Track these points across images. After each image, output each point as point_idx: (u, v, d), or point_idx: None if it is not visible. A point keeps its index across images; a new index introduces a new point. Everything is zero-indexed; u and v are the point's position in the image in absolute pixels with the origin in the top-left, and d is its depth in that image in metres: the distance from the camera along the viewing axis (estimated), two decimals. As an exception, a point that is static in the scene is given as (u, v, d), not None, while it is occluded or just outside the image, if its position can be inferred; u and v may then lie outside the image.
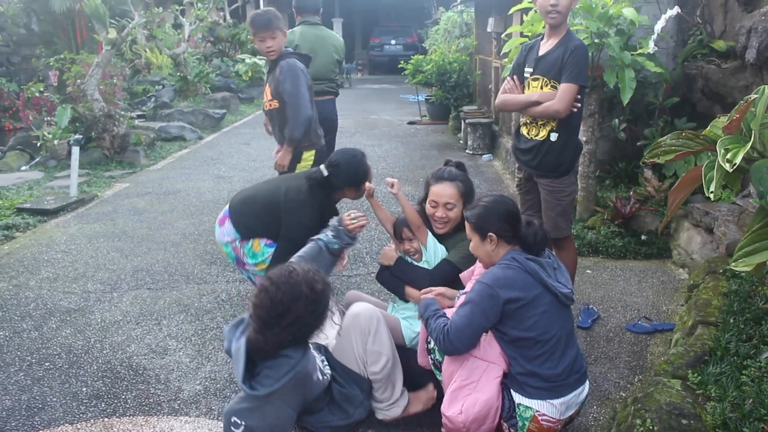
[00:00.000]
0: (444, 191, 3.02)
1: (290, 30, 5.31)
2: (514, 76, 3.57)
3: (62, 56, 11.10)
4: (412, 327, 3.04)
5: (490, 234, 2.52)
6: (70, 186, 7.05)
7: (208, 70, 14.44)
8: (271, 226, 3.41)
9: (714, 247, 4.32)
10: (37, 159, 8.92)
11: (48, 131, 8.80)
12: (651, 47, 4.78)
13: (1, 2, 14.76)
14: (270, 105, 4.23)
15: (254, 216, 3.46)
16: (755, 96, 2.47)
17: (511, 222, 2.54)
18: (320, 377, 2.51)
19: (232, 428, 2.20)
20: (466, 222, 2.65)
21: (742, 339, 2.98)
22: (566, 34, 3.40)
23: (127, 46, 13.07)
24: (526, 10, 5.11)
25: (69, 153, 7.85)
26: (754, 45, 4.76)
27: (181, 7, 15.74)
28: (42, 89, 10.03)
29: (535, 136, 3.46)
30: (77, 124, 8.91)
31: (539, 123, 3.44)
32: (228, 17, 18.87)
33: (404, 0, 27.08)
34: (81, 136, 7.77)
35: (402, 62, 11.82)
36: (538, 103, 3.36)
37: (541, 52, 3.44)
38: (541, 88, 3.39)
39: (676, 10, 4.92)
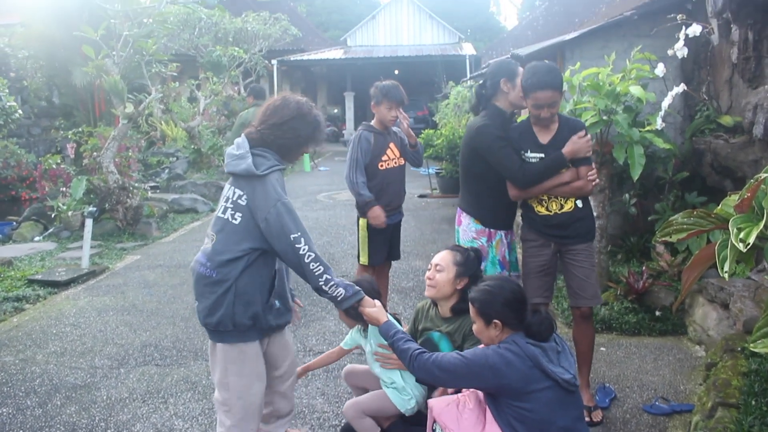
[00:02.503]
0: (440, 255, 3.09)
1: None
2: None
3: (80, 129, 11.38)
4: (400, 395, 3.03)
5: (495, 321, 2.48)
6: (82, 258, 7.08)
7: (222, 143, 14.72)
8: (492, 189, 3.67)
9: (730, 324, 4.24)
10: (51, 230, 9.01)
11: (63, 202, 8.93)
12: (659, 123, 4.83)
13: (26, 77, 15.27)
14: (398, 162, 4.62)
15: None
16: (765, 174, 2.48)
17: (516, 309, 2.50)
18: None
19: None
20: (470, 304, 2.61)
21: (766, 422, 2.89)
22: (561, 117, 3.54)
23: (143, 119, 13.37)
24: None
25: (82, 224, 7.93)
26: (761, 121, 4.81)
27: (197, 82, 16.17)
28: (59, 161, 10.23)
29: (560, 210, 3.49)
30: (92, 196, 9.05)
31: (560, 197, 3.48)
32: (243, 91, 19.33)
33: (415, 74, 27.73)
34: (95, 208, 7.86)
35: (413, 137, 11.98)
36: (566, 183, 3.45)
37: (544, 139, 3.48)
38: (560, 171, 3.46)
39: (682, 87, 4.99)
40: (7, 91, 12.00)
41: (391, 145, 4.57)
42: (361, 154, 4.42)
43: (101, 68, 8.83)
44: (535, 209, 3.55)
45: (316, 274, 2.61)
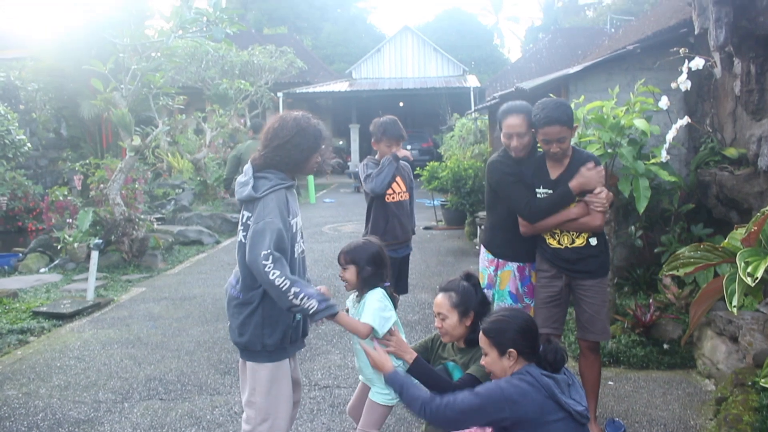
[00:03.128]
0: (438, 301, 3.05)
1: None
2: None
3: (87, 161, 11.46)
4: (383, 392, 2.99)
5: (510, 350, 2.46)
6: (88, 290, 7.08)
7: (228, 175, 14.80)
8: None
9: (740, 357, 4.20)
10: (57, 261, 9.03)
11: (69, 234, 8.96)
12: (664, 156, 4.84)
13: (35, 109, 15.45)
14: (404, 196, 4.66)
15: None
16: (772, 209, 2.48)
17: (530, 338, 2.49)
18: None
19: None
20: (482, 335, 2.59)
21: (777, 459, 2.84)
22: (574, 151, 3.54)
23: (150, 151, 13.48)
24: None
25: (88, 256, 7.95)
26: (766, 153, 4.82)
27: (204, 114, 16.32)
28: (66, 193, 10.29)
29: (571, 244, 3.50)
30: (98, 228, 9.08)
31: (571, 231, 3.50)
32: (248, 123, 19.49)
33: (420, 106, 27.93)
34: (101, 241, 7.88)
35: (418, 169, 12.06)
36: (573, 219, 3.46)
37: (555, 174, 3.52)
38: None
39: (686, 119, 5.02)
40: (17, 124, 12.13)
41: (398, 179, 4.60)
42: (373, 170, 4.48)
43: (109, 101, 8.94)
44: (547, 241, 3.57)
45: (283, 289, 2.59)
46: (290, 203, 2.82)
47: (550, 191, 3.49)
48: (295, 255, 2.85)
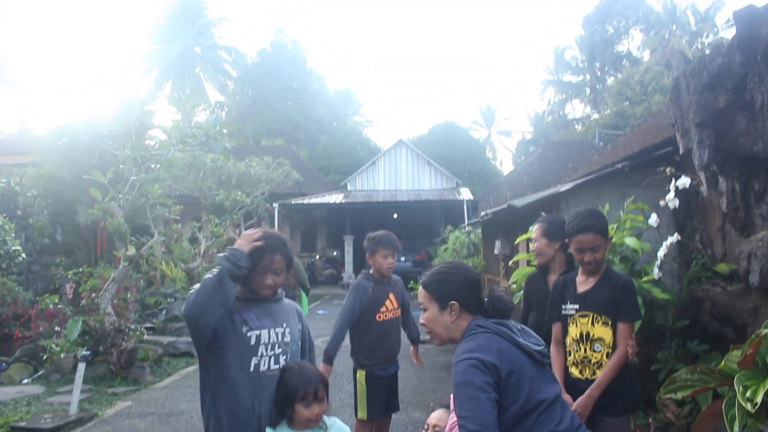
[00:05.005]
0: (437, 416, 2.93)
1: None
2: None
3: (80, 269, 11.42)
4: None
5: (452, 302, 2.28)
6: (71, 403, 6.86)
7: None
8: None
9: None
10: (41, 372, 8.80)
11: (56, 343, 8.79)
12: (656, 273, 4.87)
13: (32, 214, 15.58)
14: (395, 314, 4.65)
15: None
16: (767, 330, 2.47)
17: (473, 289, 2.32)
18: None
19: None
20: (421, 289, 2.43)
21: None
22: (607, 269, 3.47)
23: (143, 259, 13.47)
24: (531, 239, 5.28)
25: (74, 367, 7.77)
26: (756, 269, 4.85)
27: (199, 224, 16.46)
28: (56, 301, 10.18)
29: (591, 376, 3.35)
30: (86, 337, 8.92)
31: (593, 362, 3.36)
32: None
33: (414, 218, 28.27)
34: (89, 352, 7.74)
35: (411, 282, 12.05)
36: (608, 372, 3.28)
37: (582, 289, 3.46)
38: (592, 323, 3.37)
39: (676, 236, 5.09)
40: (13, 235, 12.18)
41: (391, 295, 4.60)
42: (356, 306, 4.46)
43: (107, 210, 9.03)
44: (569, 369, 3.47)
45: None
46: (249, 315, 2.82)
47: (576, 306, 3.42)
48: (251, 369, 2.79)
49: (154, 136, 11.04)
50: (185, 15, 43.45)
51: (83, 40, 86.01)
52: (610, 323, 3.32)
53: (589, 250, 3.33)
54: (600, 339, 3.34)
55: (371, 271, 4.61)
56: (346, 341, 4.59)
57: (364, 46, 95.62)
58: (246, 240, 2.80)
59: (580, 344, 3.41)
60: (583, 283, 3.46)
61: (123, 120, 10.31)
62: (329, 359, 4.43)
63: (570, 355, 3.46)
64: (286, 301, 3.12)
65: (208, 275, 2.71)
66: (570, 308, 3.46)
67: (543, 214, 3.80)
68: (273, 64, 44.03)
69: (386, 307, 4.55)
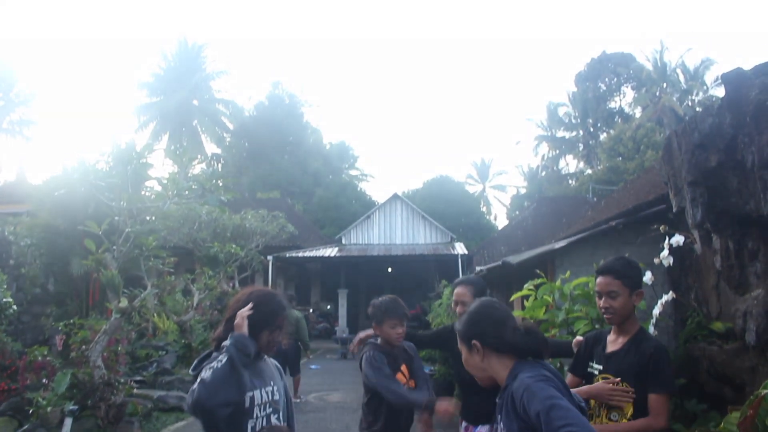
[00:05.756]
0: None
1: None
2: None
3: (71, 321, 11.30)
4: None
5: (474, 342, 2.20)
6: (56, 460, 6.70)
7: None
8: None
9: None
10: (26, 426, 8.59)
11: (43, 396, 8.62)
12: (651, 332, 4.85)
13: (25, 264, 15.48)
14: (408, 385, 4.18)
15: None
16: (766, 391, 2.45)
17: (496, 325, 2.20)
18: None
19: None
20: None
21: None
22: (638, 331, 3.22)
23: (136, 312, 13.35)
24: (527, 297, 5.27)
25: (61, 422, 7.61)
26: (752, 328, 4.83)
27: (193, 276, 16.38)
28: (45, 353, 10.04)
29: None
30: (74, 391, 8.76)
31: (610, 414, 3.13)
32: (237, 286, 19.51)
33: (408, 272, 28.19)
34: (76, 407, 7.59)
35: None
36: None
37: (610, 348, 3.22)
38: None
39: (671, 295, 5.09)
40: (5, 286, 12.10)
41: (403, 367, 4.28)
42: (383, 366, 4.07)
43: (100, 262, 9.00)
44: None
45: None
46: (244, 377, 2.75)
47: (601, 367, 3.18)
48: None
49: (150, 186, 11.09)
50: (185, 69, 44.24)
51: (82, 91, 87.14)
52: (630, 392, 3.07)
53: (605, 294, 3.14)
54: (618, 408, 3.08)
55: (378, 341, 4.29)
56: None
57: (361, 100, 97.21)
58: (242, 319, 2.78)
59: (600, 410, 3.16)
60: (613, 343, 3.24)
61: (119, 171, 10.37)
62: (428, 406, 3.96)
63: (591, 419, 3.16)
64: (267, 359, 3.09)
65: (215, 364, 2.64)
66: (595, 368, 3.23)
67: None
68: (270, 117, 44.59)
69: (398, 380, 4.22)
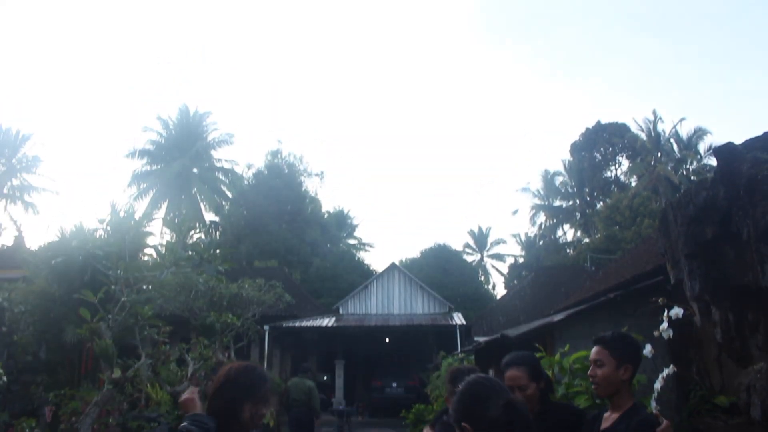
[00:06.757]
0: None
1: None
2: None
3: (62, 391, 11.07)
4: None
5: (463, 424, 2.11)
6: None
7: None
8: None
9: None
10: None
11: (29, 472, 8.38)
12: (654, 407, 4.76)
13: (17, 330, 15.29)
14: None
15: None
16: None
17: (480, 403, 2.12)
18: None
19: None
20: None
21: None
22: (631, 407, 3.16)
23: (129, 383, 13.11)
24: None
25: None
26: (757, 403, 4.75)
27: (188, 346, 16.15)
28: (33, 425, 9.81)
29: None
30: (60, 466, 8.53)
31: None
32: (233, 356, 19.21)
33: (406, 342, 27.86)
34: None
35: (404, 411, 11.81)
36: None
37: (603, 425, 3.18)
38: None
39: (672, 369, 5.02)
40: (-4, 358, 11.94)
41: None
42: None
43: (95, 331, 8.89)
44: None
45: None
46: None
47: None
48: None
49: (148, 253, 11.09)
50: (186, 137, 44.86)
51: (82, 157, 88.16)
52: None
53: (592, 363, 3.13)
54: None
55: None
56: None
57: (359, 169, 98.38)
58: (190, 397, 2.82)
59: None
60: (606, 419, 3.20)
61: (118, 240, 10.39)
62: None
63: None
64: None
65: None
66: None
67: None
68: (268, 186, 44.92)
69: None
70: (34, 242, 32.81)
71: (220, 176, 46.52)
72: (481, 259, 58.32)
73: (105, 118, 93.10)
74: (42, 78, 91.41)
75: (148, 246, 11.71)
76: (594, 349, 3.14)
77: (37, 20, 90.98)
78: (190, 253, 7.44)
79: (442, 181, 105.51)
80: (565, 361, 4.83)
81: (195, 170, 45.07)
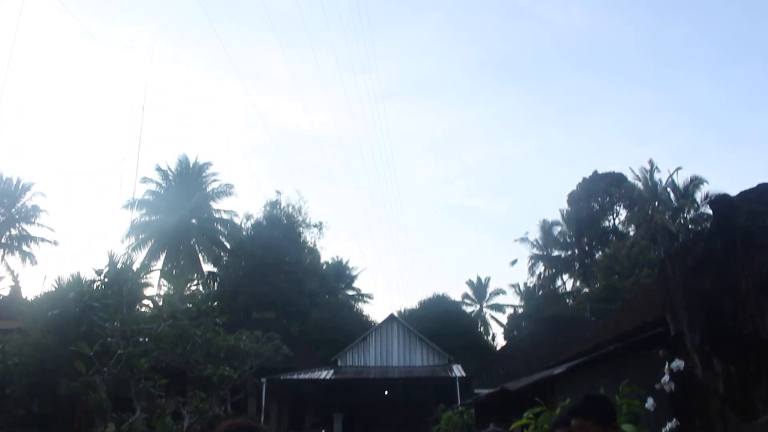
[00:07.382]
0: None
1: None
2: None
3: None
4: None
5: None
6: None
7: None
8: None
9: None
10: None
11: None
12: (657, 461, 4.69)
13: (10, 383, 15.06)
14: None
15: None
16: None
17: None
18: None
19: None
20: None
21: None
22: None
23: (122, 437, 12.87)
24: (527, 425, 5.15)
25: None
26: (764, 461, 4.66)
27: (184, 399, 15.92)
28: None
29: None
30: None
31: None
32: (229, 409, 18.92)
33: (405, 394, 27.49)
34: None
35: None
36: None
37: None
38: None
39: (675, 422, 4.96)
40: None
41: None
42: None
43: (89, 384, 8.77)
44: None
45: None
46: None
47: None
48: None
49: (145, 304, 11.01)
50: (185, 187, 44.92)
51: (81, 207, 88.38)
52: None
53: None
54: None
55: None
56: None
57: (358, 221, 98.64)
58: None
59: None
60: None
61: (115, 292, 10.33)
62: None
63: None
64: None
65: None
66: None
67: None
68: (267, 237, 44.96)
69: None
70: (31, 293, 32.63)
71: (219, 227, 46.47)
72: (481, 309, 57.91)
73: (105, 168, 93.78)
74: (44, 128, 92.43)
75: (145, 297, 11.62)
76: (577, 422, 3.11)
77: (40, 70, 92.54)
78: (187, 305, 7.39)
79: (440, 233, 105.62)
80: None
81: (194, 221, 45.09)
